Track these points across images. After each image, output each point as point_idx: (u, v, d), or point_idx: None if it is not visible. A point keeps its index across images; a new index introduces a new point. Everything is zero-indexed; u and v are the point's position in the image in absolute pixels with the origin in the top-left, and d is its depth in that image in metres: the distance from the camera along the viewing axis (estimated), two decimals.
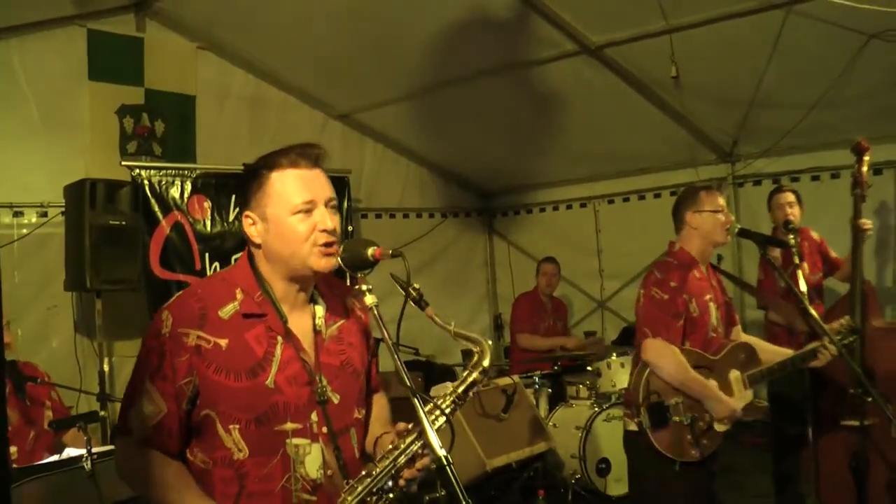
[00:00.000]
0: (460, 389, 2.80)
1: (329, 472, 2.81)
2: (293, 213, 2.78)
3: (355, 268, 2.77)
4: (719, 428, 4.82)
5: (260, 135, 9.25)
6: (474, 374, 2.82)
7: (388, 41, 8.19)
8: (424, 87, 9.03)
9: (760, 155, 9.20)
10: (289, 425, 2.76)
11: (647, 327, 4.85)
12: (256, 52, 8.98)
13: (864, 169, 6.37)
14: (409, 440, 2.73)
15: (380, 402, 3.24)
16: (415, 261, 10.53)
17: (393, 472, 2.71)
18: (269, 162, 2.85)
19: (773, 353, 5.19)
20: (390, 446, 2.76)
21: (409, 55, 8.37)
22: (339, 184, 9.37)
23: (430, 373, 9.75)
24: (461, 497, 2.41)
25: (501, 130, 9.98)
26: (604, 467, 7.59)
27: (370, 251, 2.73)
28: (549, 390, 8.47)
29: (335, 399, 2.88)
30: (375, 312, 2.76)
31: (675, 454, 4.75)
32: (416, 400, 2.59)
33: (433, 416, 2.71)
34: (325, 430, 2.82)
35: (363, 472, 2.74)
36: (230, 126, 9.20)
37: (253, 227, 2.84)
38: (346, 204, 9.41)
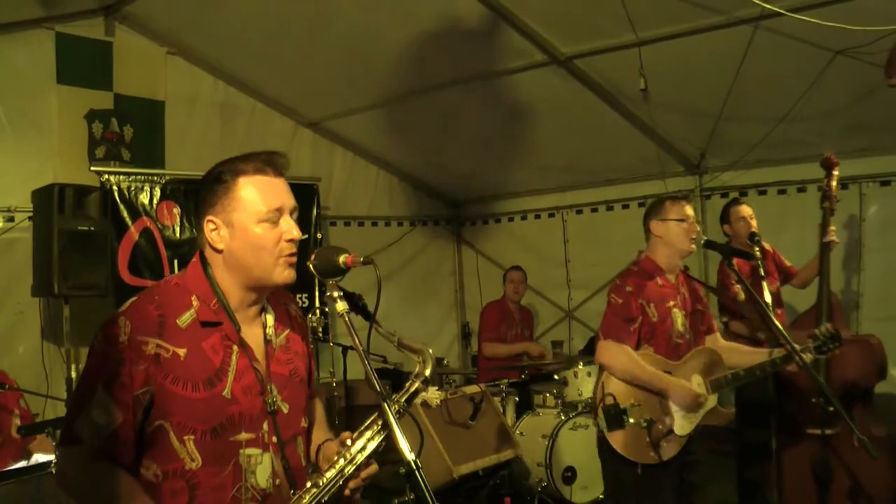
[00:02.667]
0: (403, 399, 2.82)
1: (277, 481, 2.81)
2: (260, 222, 2.76)
3: (327, 275, 2.78)
4: (679, 431, 4.87)
5: (229, 141, 9.24)
6: (416, 384, 2.84)
7: (358, 50, 8.21)
8: (394, 96, 9.06)
9: (728, 168, 9.27)
10: (243, 435, 2.75)
11: (601, 331, 5.02)
12: (226, 58, 8.98)
13: (834, 183, 6.45)
14: (354, 450, 2.76)
15: (318, 409, 3.25)
16: (383, 269, 10.44)
17: (340, 482, 2.74)
18: (236, 167, 2.81)
19: (750, 354, 5.26)
20: (336, 457, 2.78)
21: (379, 64, 8.39)
22: (309, 191, 9.39)
23: (398, 381, 9.71)
24: (430, 500, 2.43)
25: (471, 140, 10.03)
26: (570, 475, 7.60)
27: (342, 258, 2.75)
28: (516, 399, 8.49)
29: (285, 409, 2.88)
30: (347, 319, 2.76)
31: (634, 456, 4.82)
32: (385, 406, 2.61)
33: (376, 427, 2.77)
34: (274, 439, 2.82)
35: (309, 484, 2.75)
36: (199, 132, 9.18)
37: (215, 233, 2.79)
38: (315, 211, 9.43)
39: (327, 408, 6.77)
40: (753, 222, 6.90)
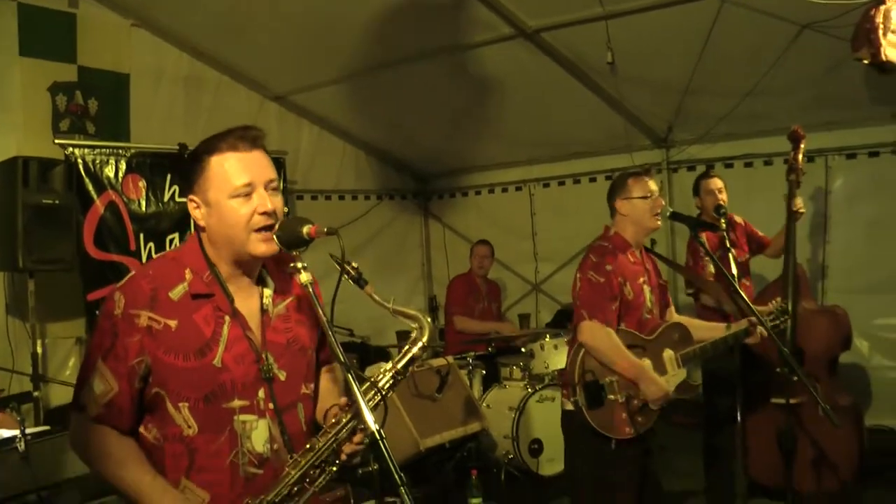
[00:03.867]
0: (400, 364, 2.86)
1: (275, 446, 2.89)
2: (232, 197, 2.81)
3: (290, 245, 2.79)
4: (654, 405, 4.89)
5: (195, 115, 9.16)
6: (414, 350, 2.89)
7: (325, 23, 8.13)
8: (361, 70, 9.00)
9: (694, 141, 9.31)
10: (236, 402, 2.83)
11: (584, 310, 4.94)
12: (192, 31, 8.85)
13: (800, 156, 6.49)
14: (348, 415, 2.80)
15: (332, 375, 3.30)
16: (350, 242, 10.43)
17: (335, 446, 2.78)
18: (209, 146, 2.88)
19: (708, 329, 5.28)
20: (333, 420, 2.82)
21: (346, 37, 8.32)
22: (275, 165, 9.29)
23: (366, 354, 9.75)
24: (394, 471, 2.44)
25: (438, 113, 10.01)
26: (536, 447, 7.64)
27: (305, 229, 2.76)
28: (483, 371, 8.51)
29: (281, 376, 2.94)
30: (310, 290, 2.80)
31: (611, 432, 4.81)
32: (349, 376, 2.61)
33: (371, 393, 2.79)
34: (271, 406, 2.89)
35: (307, 446, 2.80)
36: (165, 105, 9.04)
37: (197, 211, 2.88)
38: (281, 185, 9.35)
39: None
40: (722, 195, 6.92)
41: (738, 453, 6.38)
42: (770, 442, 6.33)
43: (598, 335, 4.87)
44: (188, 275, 2.85)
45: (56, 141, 7.86)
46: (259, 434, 2.86)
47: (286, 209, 9.01)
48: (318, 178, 10.94)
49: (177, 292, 2.82)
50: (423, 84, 9.18)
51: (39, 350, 7.51)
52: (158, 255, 2.99)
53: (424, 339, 2.91)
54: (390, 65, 8.77)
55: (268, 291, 3.00)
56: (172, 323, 2.78)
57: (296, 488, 2.76)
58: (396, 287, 11.84)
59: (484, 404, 8.01)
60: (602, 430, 4.80)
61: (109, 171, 7.96)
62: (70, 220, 7.44)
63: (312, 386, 3.13)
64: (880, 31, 5.71)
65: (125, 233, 8.01)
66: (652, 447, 5.13)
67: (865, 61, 5.87)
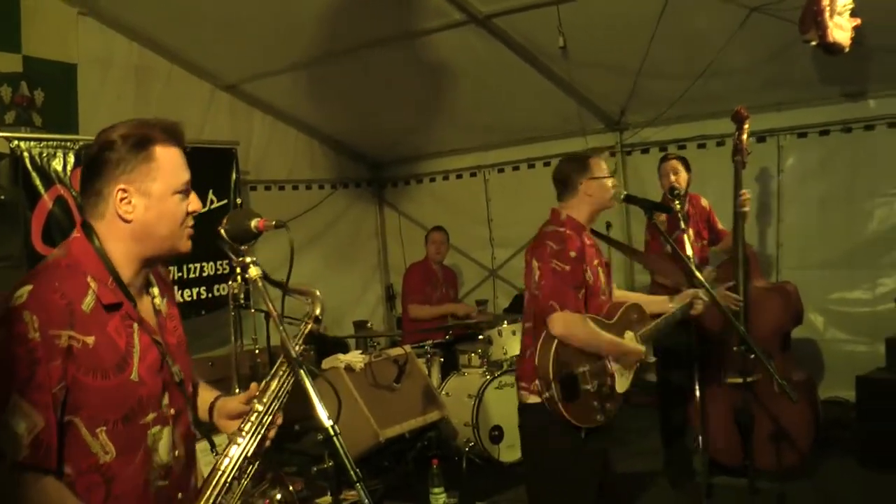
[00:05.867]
0: (299, 342, 2.87)
1: (177, 452, 2.76)
2: (175, 192, 2.67)
3: (239, 240, 2.75)
4: (620, 388, 4.91)
5: (145, 105, 9.00)
6: (309, 325, 2.90)
7: (276, 11, 8.06)
8: (313, 58, 8.93)
9: (647, 124, 9.36)
10: (150, 416, 2.66)
11: (553, 300, 4.77)
12: (140, 19, 8.70)
13: (745, 137, 6.55)
14: (266, 401, 2.79)
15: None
16: (305, 233, 10.58)
17: (261, 431, 2.78)
18: (150, 133, 2.64)
19: (653, 304, 5.31)
20: (251, 409, 2.80)
21: (297, 25, 8.26)
22: (227, 155, 9.29)
23: (323, 346, 9.70)
24: (349, 467, 2.40)
25: (391, 101, 9.96)
26: (497, 434, 7.65)
27: (254, 223, 2.72)
28: (441, 359, 8.53)
29: (177, 379, 2.79)
30: (261, 285, 2.73)
31: (583, 422, 4.78)
32: (302, 372, 2.56)
33: (285, 368, 2.83)
34: (172, 411, 2.75)
35: (229, 441, 2.76)
36: (114, 96, 8.88)
37: (125, 202, 2.61)
38: (234, 176, 9.30)
39: (252, 376, 6.71)
40: (677, 177, 6.96)
41: (698, 431, 6.41)
42: (727, 421, 6.40)
43: (574, 323, 4.77)
44: (92, 283, 2.57)
45: (1, 134, 7.71)
46: (164, 443, 2.71)
47: (239, 200, 8.93)
48: (271, 169, 10.86)
49: (87, 304, 2.53)
50: (376, 72, 9.14)
51: None
52: (44, 264, 2.64)
53: (318, 311, 2.92)
54: (343, 53, 8.71)
55: (155, 290, 2.85)
56: (90, 340, 2.50)
57: (232, 483, 2.73)
58: (352, 276, 11.85)
59: (443, 392, 8.02)
60: (576, 421, 4.75)
61: (57, 165, 7.79)
62: (17, 216, 7.36)
63: (193, 383, 2.98)
64: (826, 14, 5.79)
65: (74, 227, 7.89)
66: (612, 436, 5.15)
67: (813, 43, 5.95)
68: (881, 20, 6.48)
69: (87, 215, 2.69)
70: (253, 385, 2.87)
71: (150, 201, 2.62)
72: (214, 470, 2.71)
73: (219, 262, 8.85)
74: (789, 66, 7.68)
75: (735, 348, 6.19)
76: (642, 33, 7.51)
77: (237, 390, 3.22)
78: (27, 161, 7.59)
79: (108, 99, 8.78)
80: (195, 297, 8.72)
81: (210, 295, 8.84)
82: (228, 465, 2.72)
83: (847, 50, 6.04)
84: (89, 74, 8.58)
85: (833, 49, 5.96)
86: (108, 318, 2.57)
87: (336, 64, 8.97)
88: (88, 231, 2.66)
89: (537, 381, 4.82)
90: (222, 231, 2.74)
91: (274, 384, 2.85)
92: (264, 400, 2.80)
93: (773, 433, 6.44)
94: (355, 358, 7.37)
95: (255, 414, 2.79)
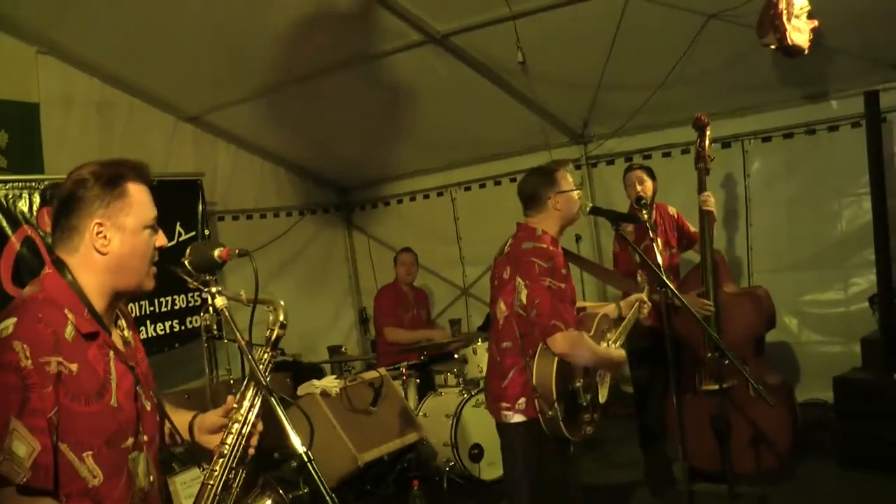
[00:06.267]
0: (267, 351, 2.98)
1: (151, 477, 2.86)
2: (146, 227, 2.79)
3: (202, 270, 2.76)
4: (602, 399, 5.00)
5: (108, 141, 8.96)
6: (276, 331, 2.97)
7: (234, 40, 8.04)
8: (274, 85, 8.92)
9: (611, 135, 9.40)
10: (129, 441, 2.75)
11: (555, 320, 4.72)
12: (100, 55, 8.64)
13: (707, 143, 6.60)
14: (244, 412, 2.90)
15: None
16: (275, 260, 10.56)
17: (242, 442, 2.86)
18: (124, 171, 2.79)
19: (608, 310, 5.35)
20: (231, 423, 2.89)
21: (256, 53, 8.24)
22: (193, 187, 9.24)
23: (298, 372, 9.65)
24: (325, 493, 2.40)
25: (354, 124, 9.95)
26: (476, 452, 7.63)
27: (216, 252, 2.76)
28: (417, 380, 8.49)
29: (148, 407, 2.90)
30: (227, 315, 2.82)
31: (574, 435, 4.82)
32: (273, 400, 2.58)
33: (263, 372, 2.89)
34: (145, 438, 2.85)
35: (216, 455, 2.85)
36: (77, 133, 8.80)
37: (101, 236, 2.72)
38: (200, 207, 9.26)
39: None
40: (640, 186, 6.97)
41: (676, 440, 6.41)
42: (705, 428, 6.40)
43: (577, 342, 4.79)
44: (69, 314, 2.66)
45: None
46: (141, 468, 2.81)
47: (207, 231, 8.91)
48: (238, 198, 10.80)
49: (69, 333, 2.63)
50: (337, 96, 9.13)
51: None
52: (20, 299, 2.73)
53: (281, 317, 2.99)
54: (303, 79, 8.70)
55: (123, 323, 2.95)
56: (74, 367, 2.60)
57: (223, 496, 2.80)
58: (324, 302, 11.82)
59: (421, 413, 7.99)
60: (569, 435, 4.79)
61: (23, 206, 7.73)
62: None
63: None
64: (784, 17, 5.82)
65: (43, 267, 7.81)
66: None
67: (773, 46, 5.99)
68: (838, 21, 6.53)
69: (60, 250, 2.79)
70: (229, 398, 2.95)
71: (125, 235, 2.75)
72: (204, 485, 2.79)
73: (190, 295, 8.79)
74: (750, 71, 7.71)
75: (709, 355, 6.20)
76: (600, 45, 7.54)
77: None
78: None
79: (71, 136, 8.70)
80: (168, 331, 8.66)
81: (183, 327, 8.79)
82: (216, 476, 2.80)
83: (806, 52, 6.08)
84: (52, 113, 8.49)
85: (792, 52, 6.00)
86: (87, 347, 2.67)
87: (296, 90, 8.95)
88: (60, 266, 2.76)
89: (525, 400, 4.84)
90: (185, 262, 2.76)
91: (249, 393, 2.94)
92: (241, 411, 2.87)
93: (752, 437, 6.48)
94: (330, 383, 7.34)
95: (236, 425, 2.86)
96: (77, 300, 2.71)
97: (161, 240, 2.84)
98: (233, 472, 2.84)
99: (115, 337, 2.85)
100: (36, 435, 2.48)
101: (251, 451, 2.89)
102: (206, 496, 2.80)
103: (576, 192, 5.05)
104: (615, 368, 5.05)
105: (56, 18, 7.91)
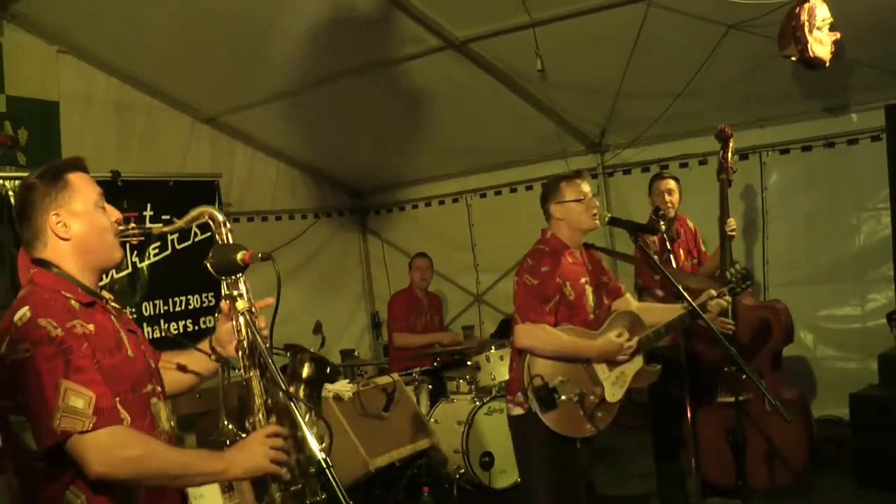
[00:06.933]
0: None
1: (172, 422, 3.16)
2: (95, 206, 3.05)
3: (225, 273, 2.78)
4: (611, 398, 4.93)
5: (127, 140, 9.04)
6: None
7: (253, 43, 8.06)
8: (292, 89, 8.93)
9: (628, 145, 9.36)
10: (149, 387, 3.04)
11: (518, 314, 4.96)
12: (119, 55, 8.68)
13: (730, 155, 6.55)
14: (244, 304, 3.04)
15: None
16: (289, 263, 10.54)
17: (253, 330, 3.01)
18: (62, 166, 3.06)
19: (667, 311, 5.27)
20: (236, 319, 3.07)
21: (274, 56, 8.26)
22: (209, 188, 9.22)
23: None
24: (343, 500, 2.41)
25: (371, 129, 9.96)
26: (487, 460, 7.60)
27: (240, 255, 2.79)
28: (430, 386, 8.48)
29: (152, 364, 3.19)
30: (248, 318, 2.90)
31: (571, 432, 4.83)
32: (291, 405, 2.59)
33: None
34: (159, 388, 3.13)
35: (239, 352, 3.10)
36: (96, 132, 8.85)
37: (60, 225, 2.97)
38: (217, 208, 9.23)
39: (240, 408, 6.63)
40: (671, 197, 6.96)
41: (690, 453, 6.38)
42: (720, 441, 6.35)
43: (533, 333, 4.88)
44: (67, 294, 2.90)
45: None
46: (164, 414, 3.09)
47: None
48: (254, 200, 10.81)
49: (74, 305, 2.87)
50: (355, 100, 9.13)
51: None
52: (21, 295, 2.97)
53: (240, 306, 3.06)
54: (321, 82, 8.70)
55: (108, 295, 3.16)
56: (91, 327, 2.84)
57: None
58: (338, 305, 11.81)
59: (432, 420, 7.97)
60: (563, 431, 4.82)
61: None
62: (3, 255, 7.29)
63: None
64: (806, 29, 5.78)
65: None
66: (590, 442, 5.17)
67: (794, 58, 5.95)
68: (860, 34, 6.48)
69: (35, 253, 3.04)
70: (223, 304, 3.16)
71: (79, 218, 3.01)
72: (247, 381, 3.11)
73: (204, 295, 8.77)
74: (770, 83, 7.69)
75: (726, 369, 6.16)
76: (620, 54, 7.52)
77: (226, 423, 3.37)
78: (12, 199, 7.52)
79: (90, 135, 8.75)
80: (181, 330, 8.63)
81: (196, 327, 8.76)
82: (248, 368, 3.09)
83: (828, 65, 6.04)
84: (71, 112, 8.53)
85: (813, 64, 5.97)
86: (93, 312, 2.94)
87: (314, 94, 8.96)
88: (43, 264, 3.01)
89: (520, 394, 4.92)
90: (208, 264, 2.78)
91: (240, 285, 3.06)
92: (239, 304, 3.03)
93: (767, 452, 6.42)
94: (344, 387, 7.31)
95: (241, 318, 3.03)
96: (68, 283, 2.96)
97: (114, 214, 3.12)
98: (261, 356, 2.99)
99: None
100: (88, 386, 2.69)
101: (265, 331, 3.03)
102: (253, 389, 3.09)
103: (580, 204, 5.04)
104: (596, 357, 4.94)
105: (77, 19, 7.95)
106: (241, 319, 2.97)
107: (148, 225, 3.28)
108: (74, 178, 3.04)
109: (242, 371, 3.09)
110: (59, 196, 2.98)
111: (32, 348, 2.71)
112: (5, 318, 2.84)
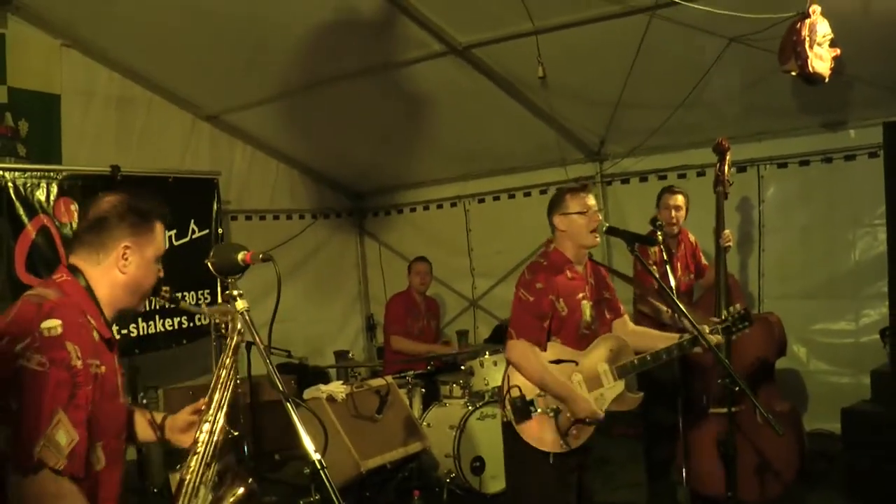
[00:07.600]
0: (227, 359, 3.22)
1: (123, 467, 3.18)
2: (157, 260, 3.18)
3: (225, 272, 2.80)
4: (587, 422, 4.91)
5: (127, 135, 9.08)
6: (235, 338, 3.20)
7: (257, 42, 8.08)
8: (293, 89, 8.95)
9: (627, 154, 9.38)
10: (124, 433, 3.15)
11: (512, 328, 4.98)
12: (122, 50, 8.70)
13: (727, 168, 6.56)
14: (212, 414, 3.17)
15: None
16: (286, 263, 10.52)
17: (213, 441, 3.11)
18: (155, 210, 3.18)
19: (659, 339, 5.22)
20: (202, 422, 3.19)
21: (277, 56, 8.28)
22: (209, 185, 9.25)
23: (304, 375, 9.67)
24: (336, 501, 2.42)
25: (371, 131, 9.97)
26: (478, 465, 7.60)
27: (240, 256, 2.81)
28: (423, 390, 8.48)
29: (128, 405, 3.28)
30: (246, 318, 2.94)
31: (544, 446, 4.83)
32: (288, 405, 2.61)
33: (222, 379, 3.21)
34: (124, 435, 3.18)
35: (191, 452, 3.13)
36: (96, 126, 8.89)
37: (125, 259, 3.07)
38: (215, 206, 9.26)
39: (233, 405, 6.66)
40: (676, 213, 7.02)
41: (681, 463, 6.39)
42: (711, 452, 6.34)
43: (525, 355, 4.90)
44: (91, 320, 2.97)
45: None
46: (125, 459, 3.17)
47: (220, 230, 8.97)
48: (252, 199, 10.85)
49: (96, 336, 2.94)
50: (356, 102, 9.15)
51: None
52: (52, 302, 2.89)
53: (239, 325, 3.17)
54: (323, 83, 8.72)
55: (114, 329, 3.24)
56: (104, 369, 2.89)
57: (199, 488, 3.07)
58: (333, 307, 11.84)
59: (424, 423, 7.97)
60: (536, 444, 4.84)
61: (41, 195, 7.75)
62: (0, 246, 7.31)
63: None
64: (806, 44, 5.79)
65: (57, 257, 7.78)
66: (589, 463, 5.15)
67: (793, 73, 5.95)
68: (860, 50, 6.52)
69: (79, 259, 3.09)
70: (200, 400, 3.27)
71: (143, 262, 3.12)
72: (181, 481, 3.05)
73: (200, 292, 8.79)
74: (769, 97, 7.73)
75: (719, 381, 6.17)
76: (621, 64, 7.54)
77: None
78: (11, 191, 7.56)
79: (90, 129, 8.81)
80: (176, 327, 8.63)
81: (191, 324, 8.77)
82: (192, 471, 3.08)
83: (827, 80, 6.06)
84: (72, 105, 8.60)
85: (813, 79, 5.98)
86: (105, 349, 2.98)
87: (316, 95, 8.97)
88: (76, 272, 3.06)
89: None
90: (209, 264, 2.82)
91: (217, 396, 3.20)
92: (210, 412, 3.16)
93: (758, 464, 6.43)
94: (337, 388, 7.32)
95: (206, 424, 3.15)
96: (94, 307, 3.03)
97: (161, 272, 3.22)
98: (206, 467, 3.09)
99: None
100: (77, 427, 2.73)
101: (219, 445, 3.12)
102: (184, 491, 3.05)
103: (583, 216, 5.04)
104: (574, 406, 4.83)
105: (82, 13, 7.99)
106: (241, 319, 3.02)
107: (178, 295, 3.43)
108: (159, 228, 3.19)
109: (187, 470, 3.11)
110: (141, 235, 3.11)
111: (49, 365, 2.72)
112: (26, 313, 2.82)
